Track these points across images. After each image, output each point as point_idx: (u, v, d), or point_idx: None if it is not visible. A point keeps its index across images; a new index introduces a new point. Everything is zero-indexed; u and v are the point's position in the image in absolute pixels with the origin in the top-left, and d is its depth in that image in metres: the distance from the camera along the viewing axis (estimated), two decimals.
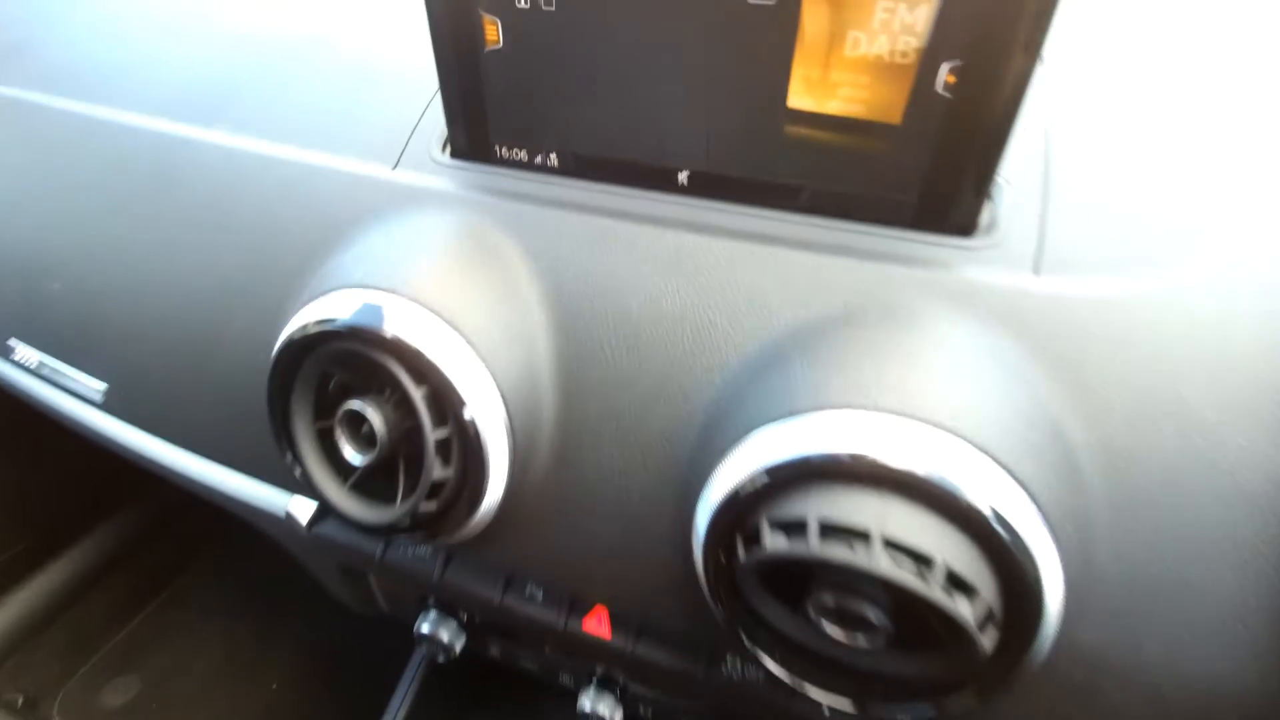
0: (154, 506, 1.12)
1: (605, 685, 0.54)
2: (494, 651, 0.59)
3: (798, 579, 0.33)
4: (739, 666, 0.43)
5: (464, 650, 0.57)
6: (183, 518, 1.14)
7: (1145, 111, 0.39)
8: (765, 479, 0.32)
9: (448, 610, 0.56)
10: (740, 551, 0.33)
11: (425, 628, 0.55)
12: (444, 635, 0.55)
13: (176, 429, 0.54)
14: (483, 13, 0.39)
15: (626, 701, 0.54)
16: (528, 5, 0.37)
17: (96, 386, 0.55)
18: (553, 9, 0.37)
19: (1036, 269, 0.35)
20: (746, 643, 0.36)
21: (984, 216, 0.37)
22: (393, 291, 0.38)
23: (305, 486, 0.42)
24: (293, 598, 1.04)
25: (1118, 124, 0.39)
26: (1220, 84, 0.39)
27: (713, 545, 0.34)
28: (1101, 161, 0.37)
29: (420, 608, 0.57)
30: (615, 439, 0.39)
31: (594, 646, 0.47)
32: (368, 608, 0.64)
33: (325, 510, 0.53)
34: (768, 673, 0.40)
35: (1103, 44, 0.42)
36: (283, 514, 0.54)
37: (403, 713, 0.72)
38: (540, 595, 0.47)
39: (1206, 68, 0.40)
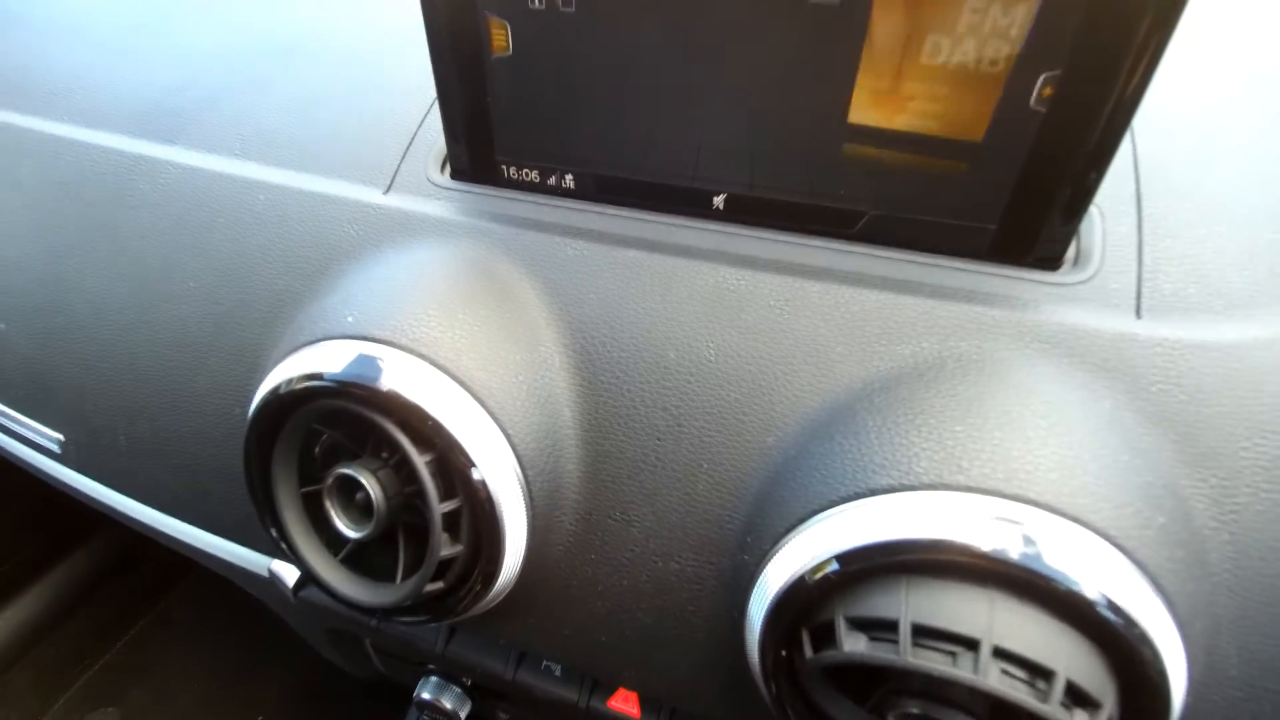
0: (131, 530, 1.06)
1: None
2: (502, 717, 0.53)
3: (874, 674, 0.28)
4: None
5: (472, 717, 0.52)
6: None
7: (1246, 125, 0.34)
8: (838, 567, 0.27)
9: (450, 675, 0.51)
10: (807, 647, 0.28)
11: (426, 694, 0.50)
12: (447, 703, 0.50)
13: (142, 488, 0.48)
14: (489, 15, 0.33)
15: None
16: (542, 6, 0.32)
17: (53, 436, 0.49)
18: (572, 9, 0.32)
19: (1139, 310, 0.30)
20: None
21: (1071, 249, 0.32)
22: (391, 343, 0.32)
23: (293, 561, 0.36)
24: (280, 625, 0.99)
25: (1215, 140, 0.34)
26: None
27: (772, 639, 0.29)
28: (1199, 183, 0.33)
29: (420, 671, 0.52)
30: (651, 514, 0.34)
31: None
32: (361, 669, 0.58)
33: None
34: None
35: (1192, 48, 0.37)
36: (265, 573, 0.48)
37: None
38: (558, 670, 0.42)
39: None
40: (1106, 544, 0.25)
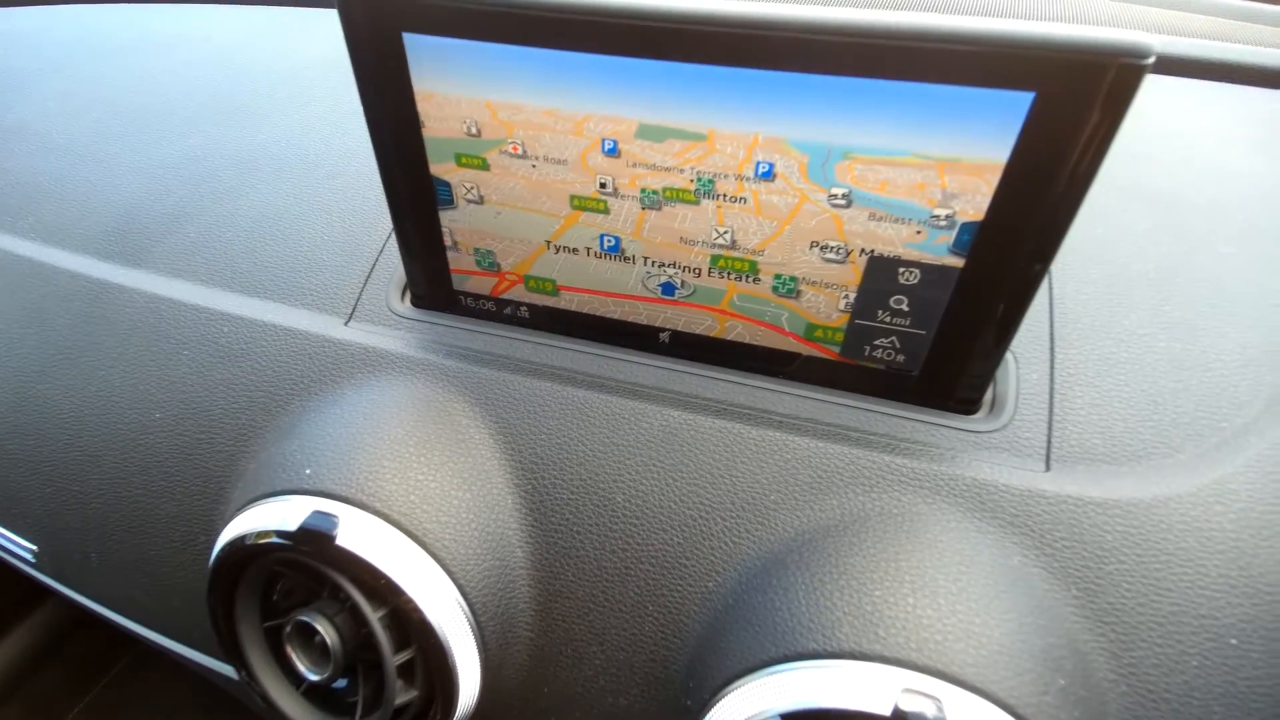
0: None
1: None
2: None
3: None
4: None
5: None
6: None
7: (1155, 262, 0.37)
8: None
9: None
10: None
11: None
12: None
13: (115, 600, 0.49)
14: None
15: None
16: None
17: (28, 546, 0.50)
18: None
19: (1048, 462, 0.32)
20: None
21: (989, 393, 0.34)
22: (346, 499, 0.34)
23: (257, 696, 0.38)
24: None
25: (1127, 277, 0.36)
26: (1240, 243, 0.37)
27: None
28: (1110, 327, 0.35)
29: None
30: (600, 652, 0.36)
31: None
32: None
33: None
34: None
35: (1106, 199, 0.39)
36: (237, 677, 0.49)
37: None
38: None
39: (1226, 221, 0.38)
40: (1006, 716, 0.27)
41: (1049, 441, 0.32)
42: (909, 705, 0.26)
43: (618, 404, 0.36)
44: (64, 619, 1.01)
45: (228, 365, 0.41)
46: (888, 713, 0.26)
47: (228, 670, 0.49)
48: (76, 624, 1.01)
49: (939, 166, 0.27)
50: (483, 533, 0.35)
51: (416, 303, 0.41)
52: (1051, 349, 0.35)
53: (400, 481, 0.34)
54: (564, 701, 0.37)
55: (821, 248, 0.31)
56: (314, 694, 0.38)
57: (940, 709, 0.26)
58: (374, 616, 0.33)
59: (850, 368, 0.34)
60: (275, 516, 0.34)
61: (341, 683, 0.37)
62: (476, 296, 0.40)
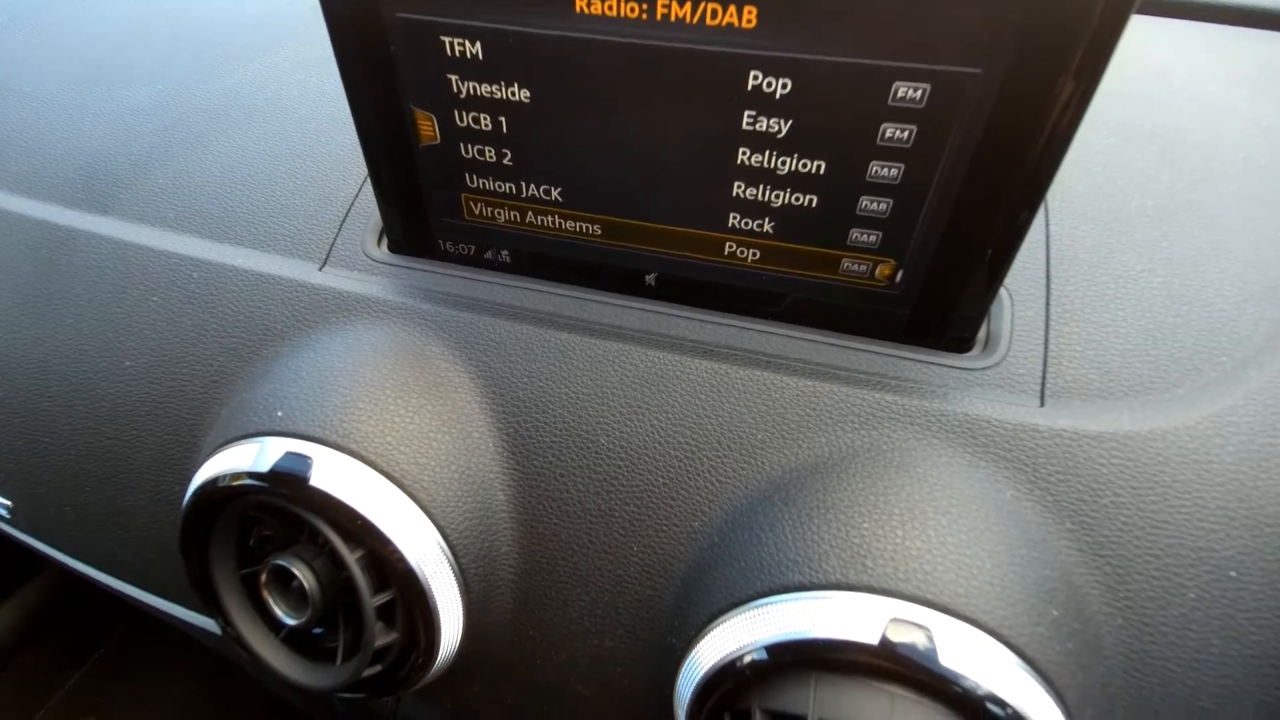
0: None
1: None
2: None
3: None
4: None
5: None
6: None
7: (1155, 199, 0.36)
8: (752, 661, 0.28)
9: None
10: None
11: None
12: None
13: (92, 555, 0.48)
14: (414, 109, 0.33)
15: None
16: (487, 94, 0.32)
17: (2, 502, 0.49)
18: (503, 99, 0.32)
19: (1042, 397, 0.31)
20: None
21: (983, 330, 0.33)
22: (320, 440, 0.33)
23: (235, 644, 0.37)
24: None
25: (1125, 213, 0.35)
26: (1240, 181, 0.36)
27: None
28: (1108, 263, 0.34)
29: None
30: (585, 595, 0.35)
31: None
32: (322, 711, 0.59)
33: None
34: None
35: (1104, 139, 0.38)
36: (220, 632, 0.48)
37: None
38: None
39: (1225, 159, 0.37)
40: (998, 644, 0.26)
41: (1044, 377, 0.32)
42: (897, 635, 0.26)
43: (601, 346, 0.35)
44: (56, 591, 1.01)
45: (198, 311, 0.40)
46: (875, 642, 0.26)
47: (212, 626, 0.48)
48: (68, 594, 1.00)
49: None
50: (463, 475, 0.34)
51: (394, 248, 0.40)
52: (1047, 286, 0.34)
53: (376, 422, 0.33)
54: (549, 645, 0.36)
55: None
56: (295, 643, 0.37)
57: (930, 638, 0.26)
58: (351, 558, 0.32)
59: (841, 306, 0.33)
60: (247, 458, 0.33)
61: (322, 633, 0.37)
62: (455, 241, 0.38)
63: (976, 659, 0.26)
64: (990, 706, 0.25)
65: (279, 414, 0.34)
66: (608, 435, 0.34)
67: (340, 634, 0.35)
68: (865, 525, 0.28)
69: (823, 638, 0.27)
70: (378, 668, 0.34)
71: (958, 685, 0.25)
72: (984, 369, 0.32)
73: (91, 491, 0.43)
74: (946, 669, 0.25)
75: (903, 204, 0.29)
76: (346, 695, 0.37)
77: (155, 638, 1.02)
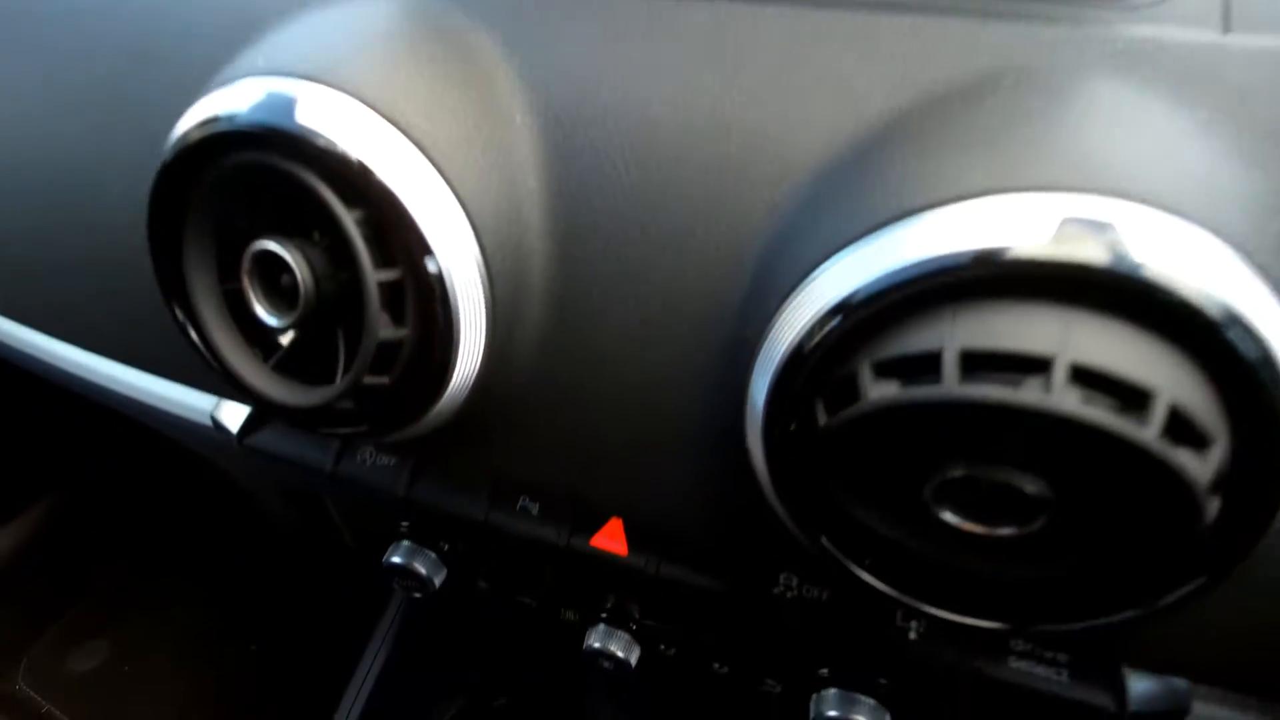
0: (119, 461, 1.01)
1: (616, 621, 0.45)
2: (482, 585, 0.49)
3: (904, 460, 0.23)
4: (796, 585, 0.34)
5: (448, 585, 0.47)
6: (151, 473, 1.04)
7: None
8: (860, 302, 0.21)
9: (424, 539, 0.46)
10: (821, 416, 0.23)
11: (397, 558, 0.46)
12: (420, 568, 0.46)
13: (64, 324, 0.42)
14: None
15: (644, 638, 0.44)
16: None
17: None
18: None
19: (1226, 26, 0.24)
20: (830, 548, 0.26)
21: None
22: (309, 78, 0.26)
23: (215, 368, 0.31)
24: (271, 552, 0.96)
25: None
26: None
27: (779, 413, 0.24)
28: None
29: (393, 539, 0.47)
30: (633, 297, 0.29)
31: (606, 568, 0.37)
32: (331, 542, 0.54)
33: (262, 415, 0.42)
34: (836, 591, 0.30)
35: None
36: (208, 421, 0.43)
37: (379, 663, 0.63)
38: (536, 509, 0.37)
39: None
40: (1220, 243, 0.19)
41: (1226, 7, 0.24)
42: (1074, 238, 0.19)
43: (652, 3, 0.28)
44: (68, 510, 0.98)
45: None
46: (1048, 250, 0.19)
47: (200, 414, 0.43)
48: (80, 518, 0.98)
49: None
50: (485, 145, 0.28)
51: None
52: None
53: (381, 69, 0.27)
54: (589, 368, 0.30)
55: None
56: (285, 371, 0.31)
57: (1122, 238, 0.19)
58: (348, 218, 0.25)
59: None
60: (218, 104, 0.26)
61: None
62: None
63: (1191, 263, 0.19)
64: (1217, 323, 0.18)
65: (260, 61, 0.27)
66: (661, 104, 0.27)
67: (340, 346, 0.29)
68: (1022, 131, 0.21)
69: (960, 251, 0.20)
70: (384, 378, 0.28)
71: (1168, 292, 0.18)
72: (1150, 5, 0.25)
73: (51, 236, 0.37)
74: (1150, 271, 0.18)
75: None
76: (347, 432, 0.31)
77: (170, 561, 0.99)
